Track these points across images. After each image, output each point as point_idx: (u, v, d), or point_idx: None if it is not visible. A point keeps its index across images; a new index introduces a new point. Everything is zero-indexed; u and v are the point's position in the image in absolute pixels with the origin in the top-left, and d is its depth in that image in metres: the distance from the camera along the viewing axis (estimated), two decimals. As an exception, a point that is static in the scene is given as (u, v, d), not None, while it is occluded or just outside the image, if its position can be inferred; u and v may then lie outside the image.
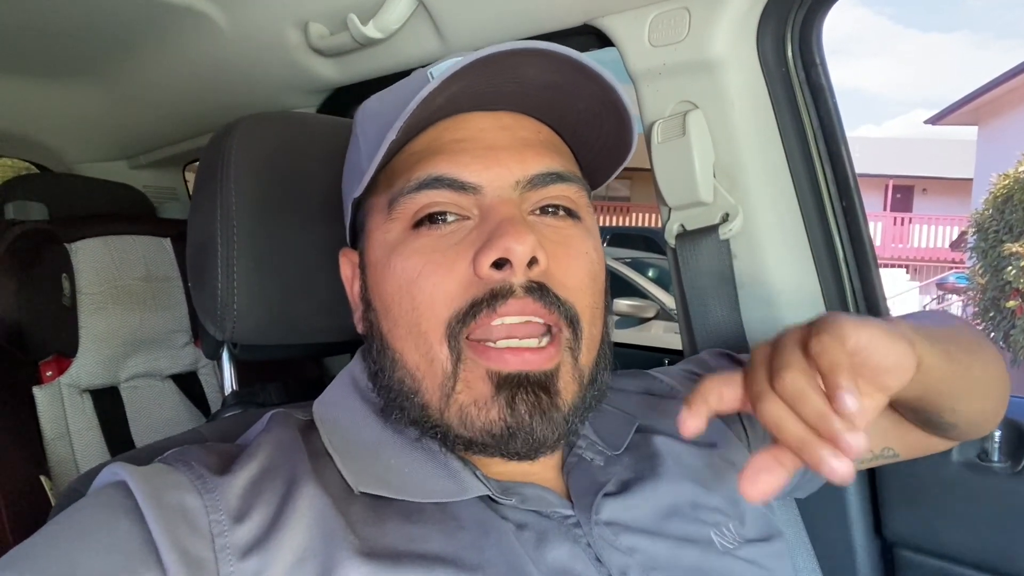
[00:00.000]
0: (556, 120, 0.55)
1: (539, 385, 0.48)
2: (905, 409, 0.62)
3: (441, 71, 0.52)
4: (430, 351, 0.50)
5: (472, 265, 0.48)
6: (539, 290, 0.49)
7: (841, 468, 0.39)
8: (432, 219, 0.51)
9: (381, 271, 0.53)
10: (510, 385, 0.48)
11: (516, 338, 0.49)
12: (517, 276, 0.48)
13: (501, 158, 0.51)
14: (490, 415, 0.48)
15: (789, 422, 0.41)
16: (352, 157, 0.59)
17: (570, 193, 0.53)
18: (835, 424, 0.39)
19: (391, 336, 0.52)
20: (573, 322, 0.50)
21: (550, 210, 0.52)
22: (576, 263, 0.52)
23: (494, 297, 0.48)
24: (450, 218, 0.51)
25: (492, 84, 0.49)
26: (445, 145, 0.51)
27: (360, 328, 0.58)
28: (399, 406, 0.52)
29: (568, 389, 0.50)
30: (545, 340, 0.49)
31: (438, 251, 0.50)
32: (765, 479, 0.43)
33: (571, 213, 0.53)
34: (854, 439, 0.39)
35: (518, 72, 0.48)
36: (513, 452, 0.49)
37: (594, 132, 0.55)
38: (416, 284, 0.50)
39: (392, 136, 0.48)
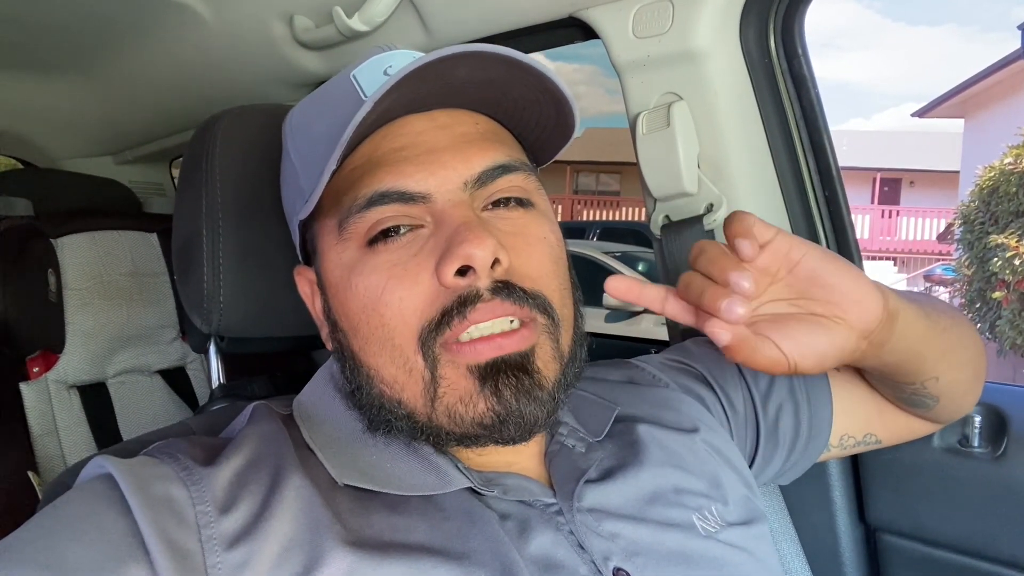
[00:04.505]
0: (491, 108, 0.54)
1: (518, 367, 0.48)
2: (890, 380, 0.63)
3: (369, 77, 0.52)
4: (407, 362, 0.49)
5: (435, 275, 0.48)
6: (506, 289, 0.48)
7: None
8: (386, 234, 0.50)
9: (343, 291, 0.52)
10: (492, 373, 0.48)
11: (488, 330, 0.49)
12: (482, 280, 0.48)
13: (444, 160, 0.50)
14: (478, 408, 0.48)
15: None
16: (288, 172, 0.58)
17: (519, 182, 0.52)
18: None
19: (364, 353, 0.52)
20: (547, 310, 0.50)
21: (502, 202, 0.52)
22: (537, 251, 0.52)
23: (463, 304, 0.48)
24: (403, 230, 0.50)
25: (424, 89, 0.48)
26: (385, 156, 0.50)
27: (330, 346, 0.57)
28: (384, 420, 0.52)
29: (549, 367, 0.50)
30: (517, 323, 0.49)
31: (398, 264, 0.49)
32: (627, 284, 0.51)
33: (522, 202, 0.53)
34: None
35: (450, 75, 0.48)
36: (507, 438, 0.49)
37: (533, 116, 0.54)
38: (382, 300, 0.49)
39: (331, 170, 0.47)
